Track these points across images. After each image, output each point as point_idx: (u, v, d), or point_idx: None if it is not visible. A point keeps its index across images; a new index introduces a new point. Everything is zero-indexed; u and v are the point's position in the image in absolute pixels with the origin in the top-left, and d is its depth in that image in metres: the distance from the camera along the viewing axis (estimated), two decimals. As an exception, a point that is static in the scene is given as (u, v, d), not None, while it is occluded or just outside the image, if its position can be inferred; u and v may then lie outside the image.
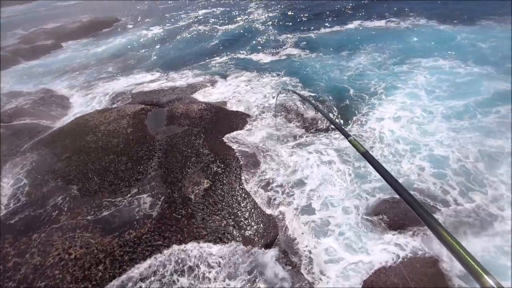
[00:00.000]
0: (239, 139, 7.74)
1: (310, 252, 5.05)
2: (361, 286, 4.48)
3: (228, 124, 8.26)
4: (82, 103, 10.40)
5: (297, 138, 7.88)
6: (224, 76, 11.88)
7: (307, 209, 5.83)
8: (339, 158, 6.90)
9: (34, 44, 19.32)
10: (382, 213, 5.47)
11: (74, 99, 10.84)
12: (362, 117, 8.23)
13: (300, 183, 6.42)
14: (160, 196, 5.96)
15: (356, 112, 8.51)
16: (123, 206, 5.74)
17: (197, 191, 6.03)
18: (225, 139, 7.68)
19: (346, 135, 2.22)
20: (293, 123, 8.46)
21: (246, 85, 10.79)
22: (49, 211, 5.70)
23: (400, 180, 5.87)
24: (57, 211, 5.67)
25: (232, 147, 7.35)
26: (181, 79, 12.02)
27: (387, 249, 4.94)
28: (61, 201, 5.90)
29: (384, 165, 1.81)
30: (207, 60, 14.08)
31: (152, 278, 4.52)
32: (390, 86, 9.53)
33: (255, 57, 13.82)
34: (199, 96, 10.17)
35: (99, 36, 21.79)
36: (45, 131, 8.48)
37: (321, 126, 8.23)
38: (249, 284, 4.58)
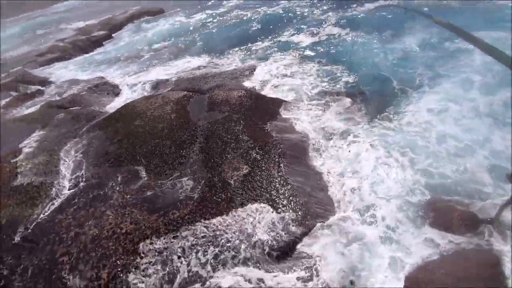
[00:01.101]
0: (279, 126, 7.66)
1: (349, 245, 4.90)
2: (403, 284, 4.26)
3: (267, 111, 8.20)
4: (131, 90, 11.09)
5: (347, 126, 7.48)
6: (265, 61, 11.71)
7: (353, 200, 5.63)
8: (394, 149, 6.46)
9: (89, 35, 20.92)
10: (434, 209, 5.08)
11: (124, 86, 11.60)
12: (404, 110, 7.53)
13: (347, 175, 6.17)
14: (201, 179, 6.19)
15: (398, 104, 7.79)
16: (167, 188, 6.08)
17: (236, 176, 6.14)
18: (264, 126, 7.65)
19: (429, 16, 3.08)
20: (343, 111, 8.10)
21: (287, 71, 10.56)
22: (103, 189, 6.24)
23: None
24: (110, 189, 6.19)
25: (272, 134, 7.31)
26: (223, 65, 12.16)
27: (436, 246, 4.61)
28: (113, 180, 6.42)
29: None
30: (249, 45, 13.92)
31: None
32: (436, 74, 8.51)
33: (296, 38, 13.34)
34: (240, 82, 10.21)
35: (146, 25, 22.81)
36: (99, 116, 9.21)
37: (374, 113, 7.73)
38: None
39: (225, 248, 4.89)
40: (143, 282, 4.59)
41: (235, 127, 7.54)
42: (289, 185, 5.89)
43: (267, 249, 4.86)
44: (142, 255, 4.88)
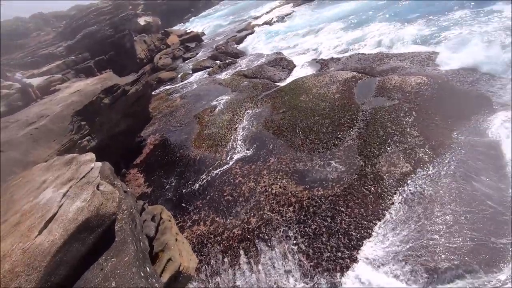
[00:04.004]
0: (467, 128, 6.08)
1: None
2: None
3: (454, 107, 6.63)
4: (304, 66, 11.75)
5: None
6: (460, 39, 9.23)
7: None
8: None
9: (278, 14, 23.58)
10: None
11: (297, 62, 12.43)
12: None
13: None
14: (352, 166, 5.98)
15: None
16: (318, 166, 6.28)
17: (392, 172, 5.53)
18: (444, 123, 6.29)
19: None
20: None
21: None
22: (264, 151, 7.21)
23: None
24: (269, 153, 7.08)
25: (452, 135, 5.95)
26: (403, 43, 10.61)
27: None
28: (273, 146, 7.28)
29: None
30: (445, 14, 10.97)
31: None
32: None
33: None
34: (423, 66, 8.68)
35: (323, 2, 23.12)
36: (272, 88, 10.42)
37: None
38: None
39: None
40: (270, 246, 5.14)
41: (404, 119, 6.63)
42: (463, 204, 4.72)
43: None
44: (283, 218, 5.42)
